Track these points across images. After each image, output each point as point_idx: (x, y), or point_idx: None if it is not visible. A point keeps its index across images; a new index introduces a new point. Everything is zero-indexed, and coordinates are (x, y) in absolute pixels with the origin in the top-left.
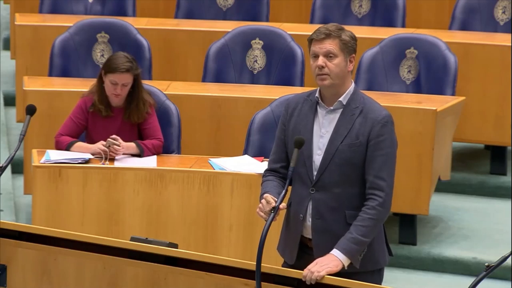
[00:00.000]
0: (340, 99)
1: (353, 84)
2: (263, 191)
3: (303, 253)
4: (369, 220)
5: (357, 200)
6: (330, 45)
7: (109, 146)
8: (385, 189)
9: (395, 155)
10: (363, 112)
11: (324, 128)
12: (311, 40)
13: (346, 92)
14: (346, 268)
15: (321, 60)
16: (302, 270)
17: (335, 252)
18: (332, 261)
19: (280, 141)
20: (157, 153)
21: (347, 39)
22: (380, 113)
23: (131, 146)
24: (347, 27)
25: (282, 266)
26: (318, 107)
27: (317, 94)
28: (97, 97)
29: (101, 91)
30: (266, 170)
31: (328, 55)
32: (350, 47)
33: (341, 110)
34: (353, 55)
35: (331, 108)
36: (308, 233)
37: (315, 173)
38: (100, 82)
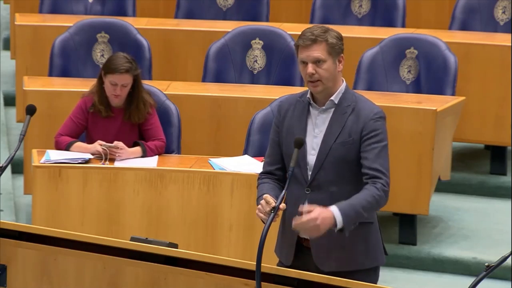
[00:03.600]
0: (331, 98)
1: (344, 83)
2: (259, 194)
3: (300, 253)
4: (372, 198)
5: None
6: (317, 52)
7: (107, 148)
8: (384, 177)
9: (387, 149)
10: (355, 110)
11: (318, 128)
12: (297, 46)
13: (338, 91)
14: (335, 230)
15: (310, 68)
16: (299, 270)
17: (334, 210)
18: (327, 218)
19: (274, 143)
20: (159, 153)
21: (334, 42)
22: (372, 110)
23: (137, 150)
24: (347, 27)
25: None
26: (310, 107)
27: (308, 95)
28: (97, 97)
29: (101, 92)
30: (261, 173)
31: (317, 62)
32: (338, 48)
33: (333, 109)
34: (342, 55)
35: (323, 107)
36: (304, 234)
37: (309, 173)
38: (100, 82)
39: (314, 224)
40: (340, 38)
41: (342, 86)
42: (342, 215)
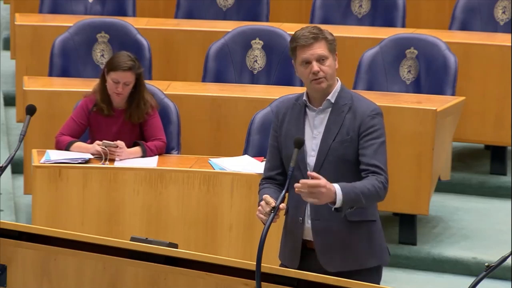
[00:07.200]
0: (328, 98)
1: (339, 82)
2: (260, 198)
3: (305, 255)
4: (373, 187)
5: None
6: (319, 49)
7: (107, 147)
8: (383, 173)
9: (385, 146)
10: (352, 108)
11: (316, 129)
12: (295, 47)
13: (334, 90)
14: (332, 208)
15: (316, 66)
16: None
17: (337, 187)
18: (331, 190)
19: (273, 148)
20: (159, 154)
21: (331, 38)
22: (368, 107)
23: (137, 151)
24: (347, 27)
25: None
26: (307, 109)
27: (304, 97)
28: (99, 96)
29: (103, 90)
30: (262, 179)
31: (320, 59)
32: (334, 45)
33: (330, 109)
34: (336, 52)
35: (320, 108)
36: (308, 236)
37: None
38: (103, 80)
39: (319, 190)
40: (333, 36)
41: (338, 85)
42: (343, 193)
